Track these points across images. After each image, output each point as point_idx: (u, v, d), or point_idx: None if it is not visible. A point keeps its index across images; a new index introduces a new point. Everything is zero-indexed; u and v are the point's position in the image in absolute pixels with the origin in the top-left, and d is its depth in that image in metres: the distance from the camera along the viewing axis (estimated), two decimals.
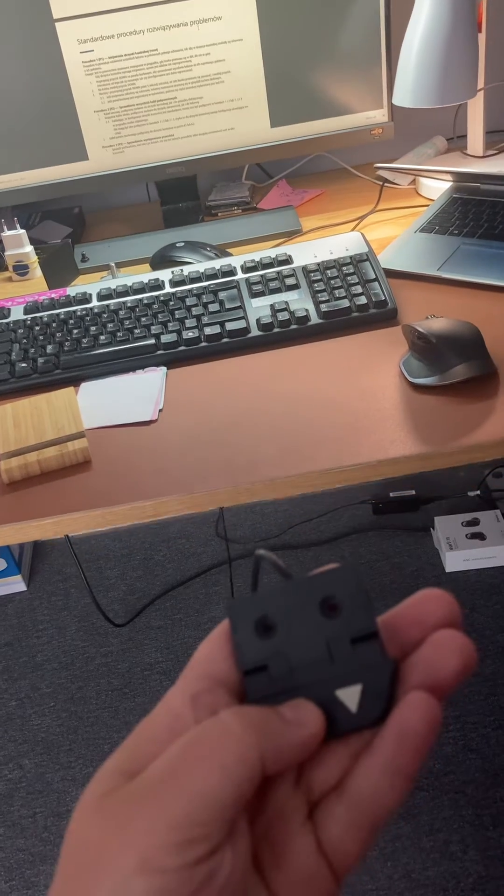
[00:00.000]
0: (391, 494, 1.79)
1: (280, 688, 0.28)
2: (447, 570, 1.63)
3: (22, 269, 1.18)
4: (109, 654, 1.61)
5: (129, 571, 1.79)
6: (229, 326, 0.93)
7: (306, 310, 0.93)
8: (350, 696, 0.28)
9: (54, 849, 1.31)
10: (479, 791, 1.28)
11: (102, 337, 0.94)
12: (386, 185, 1.28)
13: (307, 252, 1.01)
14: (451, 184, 1.16)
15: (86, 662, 1.60)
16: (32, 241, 1.21)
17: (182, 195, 1.27)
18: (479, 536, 1.63)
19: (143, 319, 0.95)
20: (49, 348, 0.94)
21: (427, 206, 1.17)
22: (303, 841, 0.28)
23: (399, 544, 1.73)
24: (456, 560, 1.62)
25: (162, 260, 1.12)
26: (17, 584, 1.77)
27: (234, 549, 1.79)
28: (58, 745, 1.46)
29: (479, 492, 1.77)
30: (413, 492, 1.78)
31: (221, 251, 1.11)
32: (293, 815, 0.28)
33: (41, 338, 0.96)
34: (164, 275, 1.01)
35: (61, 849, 0.27)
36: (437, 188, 1.20)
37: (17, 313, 1.00)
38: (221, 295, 0.97)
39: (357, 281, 0.95)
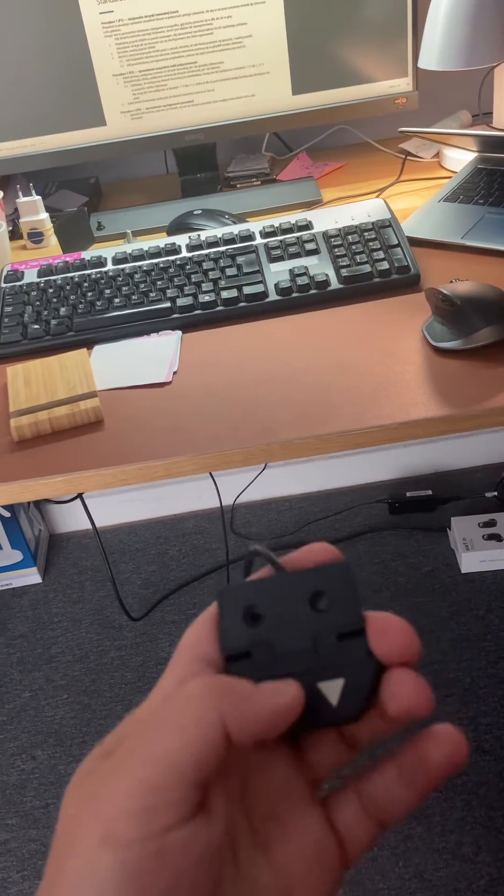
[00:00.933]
0: (407, 494, 1.77)
1: (262, 675, 0.28)
2: (463, 570, 1.61)
3: (37, 236, 1.16)
4: (123, 648, 1.59)
5: (143, 566, 1.77)
6: (247, 290, 0.90)
7: (326, 275, 0.90)
8: (332, 689, 0.28)
9: None
10: (491, 793, 1.25)
11: (117, 300, 0.92)
12: (408, 158, 1.25)
13: (328, 218, 0.99)
14: (475, 155, 1.14)
15: (100, 655, 1.58)
16: (48, 210, 1.19)
17: (200, 165, 1.24)
18: (496, 538, 1.60)
19: (159, 283, 0.93)
20: (62, 311, 0.92)
21: (450, 177, 1.14)
22: (313, 817, 0.28)
23: (415, 544, 1.70)
24: (472, 561, 1.60)
25: (179, 228, 1.10)
26: (32, 577, 1.76)
27: (250, 545, 1.76)
28: (71, 738, 1.44)
29: (496, 493, 1.75)
30: (430, 492, 1.76)
31: (240, 219, 1.09)
32: (299, 794, 0.28)
33: (54, 300, 0.94)
34: (181, 239, 0.99)
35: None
36: (460, 160, 1.17)
37: (30, 276, 0.98)
38: (239, 259, 0.95)
39: (379, 247, 0.93)
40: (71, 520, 1.87)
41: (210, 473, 1.70)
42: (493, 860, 1.18)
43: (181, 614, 1.64)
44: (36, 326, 0.91)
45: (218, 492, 1.76)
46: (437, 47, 0.97)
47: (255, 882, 0.26)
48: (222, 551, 1.75)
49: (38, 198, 1.15)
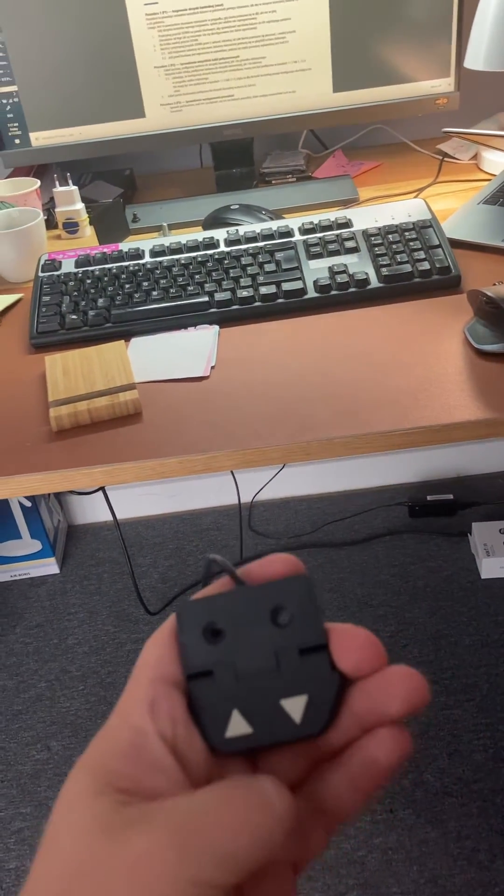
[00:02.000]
0: (428, 497, 1.75)
1: (225, 694, 0.28)
2: (482, 576, 1.60)
3: (72, 226, 1.16)
4: (140, 641, 1.59)
5: (160, 560, 1.77)
6: (285, 287, 0.90)
7: (366, 273, 0.90)
8: (294, 706, 0.28)
9: None
10: None
11: (155, 292, 0.92)
12: (446, 159, 1.24)
13: (367, 217, 0.98)
14: None
15: (116, 648, 1.58)
16: (83, 201, 1.18)
17: (237, 160, 1.24)
18: None
19: (197, 277, 0.93)
20: (100, 301, 0.92)
21: (489, 180, 1.13)
22: None
23: (434, 548, 1.69)
24: (492, 567, 1.59)
25: (215, 222, 1.09)
26: (50, 567, 1.76)
27: (267, 543, 1.76)
28: (86, 729, 1.44)
29: None
30: (451, 496, 1.75)
31: (277, 215, 1.08)
32: None
33: (92, 291, 0.94)
34: (219, 234, 0.99)
35: (39, 857, 0.25)
36: (499, 163, 1.16)
37: (67, 266, 0.98)
38: (278, 255, 0.94)
39: (420, 247, 0.92)
40: (90, 511, 1.87)
41: (231, 470, 1.70)
42: None
43: None
44: (74, 317, 0.91)
45: (237, 488, 1.75)
46: (484, 47, 0.96)
47: None
48: (239, 549, 1.75)
49: (75, 188, 1.15)
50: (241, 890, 0.26)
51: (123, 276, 0.95)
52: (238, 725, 0.28)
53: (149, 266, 0.95)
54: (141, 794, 0.25)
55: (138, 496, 1.85)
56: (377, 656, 0.28)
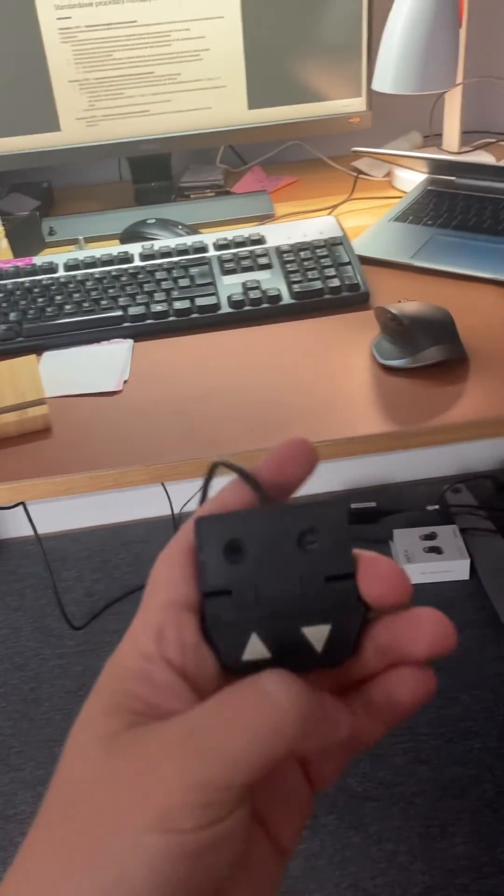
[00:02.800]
0: (352, 506, 1.78)
1: (244, 616, 0.26)
2: None
3: None
4: (64, 657, 1.57)
5: (86, 574, 1.75)
6: (199, 302, 0.91)
7: (278, 289, 0.92)
8: (317, 635, 0.26)
9: (5, 853, 1.27)
10: (427, 802, 1.28)
11: (68, 306, 0.91)
12: (360, 176, 1.27)
13: (281, 233, 1.00)
14: (425, 176, 1.16)
15: (39, 664, 1.56)
16: None
17: (155, 174, 1.25)
18: (437, 550, 1.63)
19: (111, 291, 0.93)
20: (12, 316, 0.91)
21: (401, 197, 1.16)
22: (289, 763, 0.28)
23: None
24: (413, 573, 1.62)
25: (132, 236, 1.10)
26: None
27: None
28: (8, 747, 1.42)
29: (437, 506, 1.78)
30: (374, 504, 1.78)
31: (193, 230, 1.09)
32: None
33: (3, 305, 0.93)
34: (134, 248, 0.99)
35: (51, 788, 0.25)
36: (411, 181, 1.20)
37: None
38: (192, 271, 0.95)
39: (330, 264, 0.94)
40: (13, 526, 1.84)
41: (162, 482, 1.70)
42: (427, 868, 1.20)
43: (124, 623, 1.62)
44: None
45: (170, 500, 1.75)
46: (391, 71, 0.99)
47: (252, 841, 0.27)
48: None
49: None
50: (256, 808, 0.26)
51: (36, 289, 0.94)
52: (256, 649, 0.26)
53: (62, 280, 0.95)
54: (154, 714, 0.25)
55: (63, 509, 1.83)
56: (403, 588, 0.27)
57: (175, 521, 1.81)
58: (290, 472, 0.29)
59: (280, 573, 0.27)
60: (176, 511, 1.83)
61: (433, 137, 1.34)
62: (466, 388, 0.78)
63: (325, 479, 1.88)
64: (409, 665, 0.27)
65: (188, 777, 0.23)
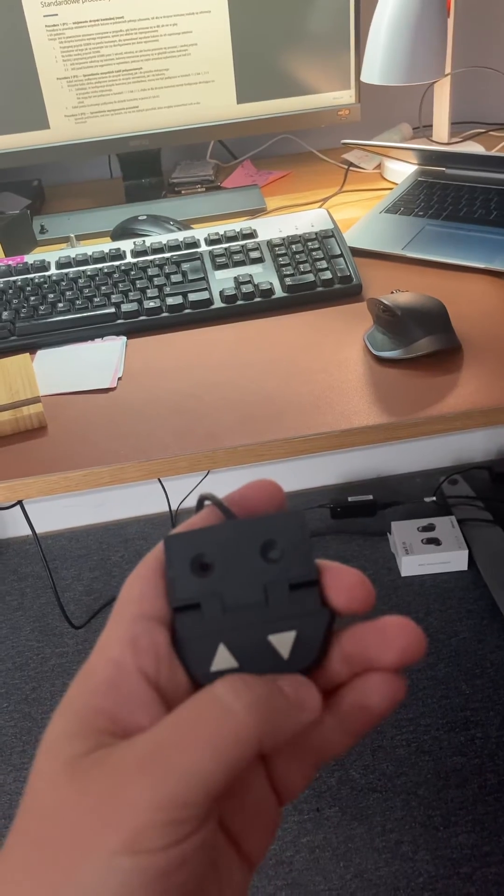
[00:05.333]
0: (349, 499, 1.78)
1: (211, 628, 0.27)
2: (402, 574, 1.64)
3: None
4: (65, 655, 1.57)
5: (85, 572, 1.75)
6: (192, 297, 0.91)
7: (270, 283, 0.91)
8: (283, 641, 0.27)
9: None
10: (430, 792, 1.28)
11: (60, 304, 0.91)
12: (351, 168, 1.27)
13: (272, 227, 1.00)
14: (416, 168, 1.16)
15: (41, 663, 1.56)
16: None
17: (145, 171, 1.24)
18: (435, 542, 1.64)
19: (104, 288, 0.93)
20: (4, 315, 0.91)
21: (392, 189, 1.16)
22: (255, 775, 0.27)
23: (356, 548, 1.72)
24: (411, 565, 1.63)
25: (123, 233, 1.09)
26: None
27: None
28: (11, 747, 1.42)
29: (434, 498, 1.78)
30: (371, 497, 1.79)
31: (185, 226, 1.09)
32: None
33: None
34: (126, 245, 0.99)
35: (18, 817, 0.25)
36: (401, 172, 1.20)
37: None
38: (184, 266, 0.95)
39: (322, 256, 0.94)
40: (11, 526, 1.84)
41: (158, 479, 1.70)
42: (431, 858, 1.20)
43: None
44: None
45: (167, 496, 1.75)
46: (378, 63, 0.99)
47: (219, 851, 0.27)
48: None
49: None
50: (223, 821, 0.26)
51: (29, 288, 0.94)
52: (224, 659, 0.27)
53: (55, 278, 0.95)
54: (120, 731, 0.25)
55: (61, 508, 1.83)
56: (368, 596, 0.27)
57: (173, 517, 1.81)
58: (255, 505, 0.29)
59: (245, 584, 0.28)
60: (174, 507, 1.83)
61: (423, 128, 1.34)
62: (461, 378, 0.78)
63: (321, 473, 1.88)
64: (379, 671, 0.27)
65: (154, 797, 0.23)
